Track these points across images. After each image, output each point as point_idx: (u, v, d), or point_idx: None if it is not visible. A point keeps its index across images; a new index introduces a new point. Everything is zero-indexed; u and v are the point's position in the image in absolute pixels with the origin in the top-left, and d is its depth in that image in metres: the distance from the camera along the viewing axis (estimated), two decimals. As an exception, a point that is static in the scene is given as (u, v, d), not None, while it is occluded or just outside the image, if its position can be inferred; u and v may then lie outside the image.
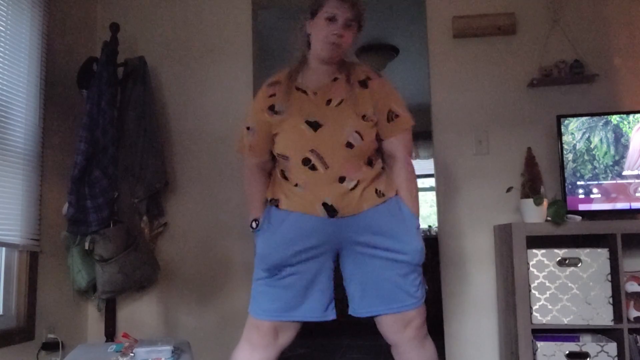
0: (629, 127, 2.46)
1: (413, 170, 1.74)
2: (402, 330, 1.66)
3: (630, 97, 2.70)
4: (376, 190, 1.67)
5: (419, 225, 1.71)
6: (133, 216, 2.67)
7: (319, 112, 1.65)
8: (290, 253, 1.63)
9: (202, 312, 2.81)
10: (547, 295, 2.30)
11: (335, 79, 1.72)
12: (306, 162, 1.62)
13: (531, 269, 2.32)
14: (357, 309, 1.69)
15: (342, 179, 1.62)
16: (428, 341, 1.72)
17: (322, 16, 1.65)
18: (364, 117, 1.65)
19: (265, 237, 1.68)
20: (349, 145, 1.62)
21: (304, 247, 1.63)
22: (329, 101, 1.67)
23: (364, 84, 1.72)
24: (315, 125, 1.63)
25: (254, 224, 1.72)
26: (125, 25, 2.93)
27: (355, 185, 1.63)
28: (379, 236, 1.64)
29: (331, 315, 1.70)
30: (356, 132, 1.62)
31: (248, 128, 1.75)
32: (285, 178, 1.69)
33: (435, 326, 2.80)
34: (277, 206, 1.69)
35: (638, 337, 2.27)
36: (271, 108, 1.70)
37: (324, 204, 1.62)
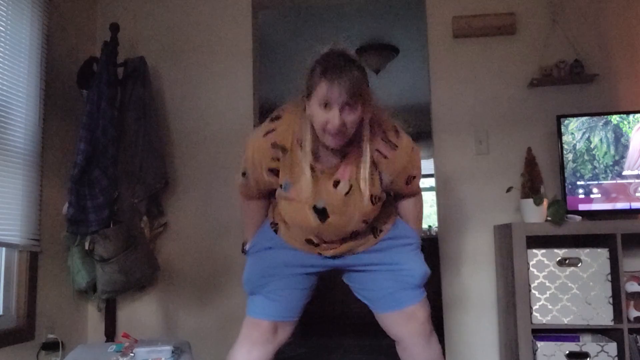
0: (629, 127, 2.46)
1: (422, 201, 1.78)
2: (405, 324, 1.67)
3: (630, 97, 2.70)
4: (373, 230, 1.68)
5: (420, 245, 1.74)
6: (133, 216, 2.66)
7: (326, 197, 1.53)
8: (280, 275, 1.69)
9: (202, 312, 2.81)
10: (547, 295, 2.30)
11: (345, 155, 1.53)
12: (309, 241, 1.65)
13: (531, 269, 2.32)
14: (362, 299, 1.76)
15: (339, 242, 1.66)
16: (434, 338, 1.72)
17: (316, 101, 1.40)
18: (372, 198, 1.53)
19: (255, 261, 1.74)
20: (354, 232, 1.63)
21: (299, 272, 1.69)
22: (336, 183, 1.53)
23: (382, 155, 1.55)
24: (322, 215, 1.54)
25: (245, 248, 1.78)
26: (125, 25, 2.93)
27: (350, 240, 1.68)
28: (379, 264, 1.69)
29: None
30: (362, 221, 1.59)
31: (244, 174, 1.64)
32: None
33: (435, 326, 2.79)
34: (275, 231, 1.72)
35: (638, 337, 2.27)
36: (272, 171, 1.56)
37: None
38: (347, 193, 1.52)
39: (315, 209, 1.53)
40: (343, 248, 1.65)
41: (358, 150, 1.51)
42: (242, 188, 1.70)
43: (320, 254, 1.67)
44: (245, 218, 1.79)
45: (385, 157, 1.54)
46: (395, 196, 1.73)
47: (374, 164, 1.53)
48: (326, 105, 1.38)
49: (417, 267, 1.68)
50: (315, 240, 1.63)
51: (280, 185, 1.56)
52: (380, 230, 1.68)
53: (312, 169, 1.50)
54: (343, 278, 1.78)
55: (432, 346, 1.70)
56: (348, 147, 1.50)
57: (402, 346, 1.71)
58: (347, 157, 1.53)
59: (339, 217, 1.54)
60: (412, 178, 1.64)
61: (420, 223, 1.78)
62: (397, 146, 1.54)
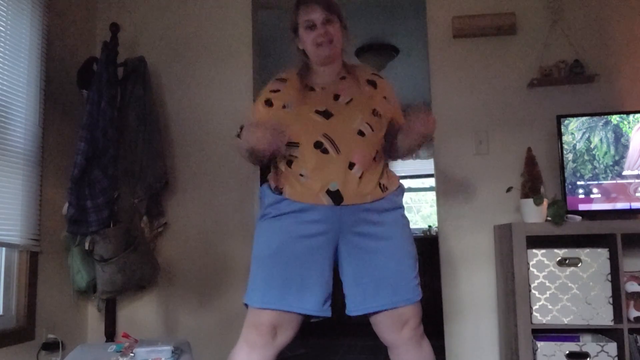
0: (629, 127, 2.46)
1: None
2: (398, 330, 1.67)
3: (630, 97, 2.70)
4: (380, 184, 1.69)
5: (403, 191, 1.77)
6: (133, 216, 2.66)
7: (328, 105, 1.69)
8: (291, 239, 1.63)
9: (202, 312, 2.81)
10: (547, 295, 2.30)
11: (342, 77, 1.77)
12: (318, 145, 1.64)
13: (531, 269, 2.32)
14: (353, 307, 1.69)
15: (351, 165, 1.64)
16: (425, 341, 1.72)
17: (302, 28, 1.73)
18: (374, 111, 1.70)
19: (266, 226, 1.69)
20: (361, 133, 1.66)
21: (306, 234, 1.63)
22: (336, 96, 1.71)
23: (372, 83, 1.77)
24: (326, 114, 1.67)
25: (238, 131, 1.64)
26: (125, 25, 2.93)
27: (362, 175, 1.65)
28: (374, 226, 1.66)
29: (327, 312, 1.68)
30: (366, 123, 1.67)
31: (241, 128, 1.74)
32: (291, 167, 1.69)
33: (435, 326, 2.79)
34: (280, 194, 1.70)
35: (638, 337, 2.27)
36: (267, 102, 1.74)
37: (329, 192, 1.62)
38: (348, 102, 1.70)
39: (317, 111, 1.67)
40: (352, 183, 1.63)
41: (354, 76, 1.76)
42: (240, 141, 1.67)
43: (329, 192, 1.61)
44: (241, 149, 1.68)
45: (380, 77, 1.81)
46: (394, 133, 1.78)
47: (372, 84, 1.76)
48: (310, 27, 1.71)
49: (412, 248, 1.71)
50: (325, 144, 1.63)
51: (284, 106, 1.70)
52: (386, 188, 1.70)
53: (312, 88, 1.73)
54: (343, 264, 1.72)
55: (424, 348, 1.71)
56: (346, 72, 1.77)
57: (395, 352, 1.72)
58: (345, 79, 1.76)
59: (342, 115, 1.67)
60: (404, 112, 1.79)
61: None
62: (384, 77, 1.83)
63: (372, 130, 1.68)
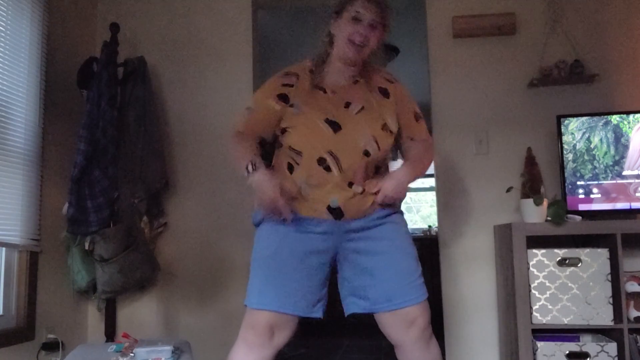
0: (629, 127, 2.46)
1: (432, 153, 1.81)
2: (405, 330, 1.65)
3: (630, 97, 2.70)
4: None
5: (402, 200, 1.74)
6: (133, 216, 2.66)
7: (337, 114, 1.64)
8: (289, 242, 1.63)
9: (202, 312, 2.81)
10: (547, 295, 2.30)
11: (355, 82, 1.72)
12: (321, 161, 1.61)
13: (531, 269, 2.32)
14: (356, 309, 1.69)
15: (350, 184, 1.63)
16: (433, 342, 1.70)
17: (348, 16, 1.63)
18: (383, 125, 1.67)
19: (266, 229, 1.69)
20: (366, 153, 1.63)
21: (304, 238, 1.64)
22: (347, 104, 1.66)
23: (385, 92, 1.73)
24: (334, 126, 1.62)
25: (249, 167, 1.55)
26: (125, 25, 2.93)
27: (363, 191, 1.64)
28: (373, 229, 1.66)
29: (317, 313, 1.67)
30: (374, 140, 1.63)
31: (248, 108, 1.72)
32: (291, 174, 1.67)
33: (435, 326, 2.79)
34: None
35: (638, 337, 2.27)
36: (281, 97, 1.68)
37: (329, 208, 1.62)
38: (358, 112, 1.66)
39: (327, 120, 1.62)
40: (352, 201, 1.61)
41: (367, 79, 1.72)
42: (240, 124, 1.71)
43: (330, 208, 1.61)
44: (237, 152, 1.64)
45: (392, 82, 1.76)
46: (408, 140, 1.76)
47: (384, 93, 1.73)
48: (356, 19, 1.62)
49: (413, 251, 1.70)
50: (329, 161, 1.60)
51: (292, 105, 1.66)
52: (388, 204, 1.69)
53: (324, 90, 1.68)
54: (343, 272, 1.71)
55: (432, 349, 1.69)
56: (360, 76, 1.72)
57: (401, 350, 1.71)
58: (358, 83, 1.71)
59: (351, 129, 1.62)
60: (419, 117, 1.77)
61: (420, 167, 1.73)
62: (398, 81, 1.79)
63: (379, 149, 1.64)
